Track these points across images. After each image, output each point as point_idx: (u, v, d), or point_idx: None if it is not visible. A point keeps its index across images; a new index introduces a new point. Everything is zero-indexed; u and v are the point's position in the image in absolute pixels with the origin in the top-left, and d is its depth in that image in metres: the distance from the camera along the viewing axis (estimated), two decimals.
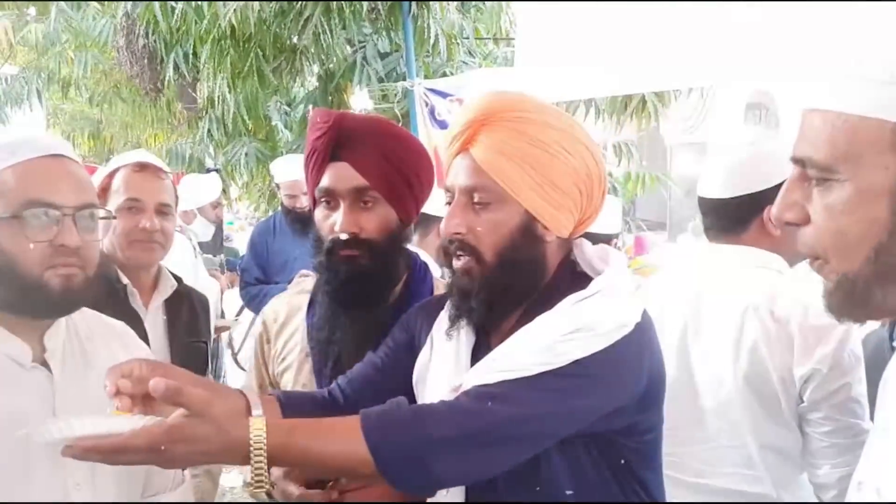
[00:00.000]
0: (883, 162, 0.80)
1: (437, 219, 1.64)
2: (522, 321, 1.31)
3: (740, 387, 1.72)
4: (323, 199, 1.57)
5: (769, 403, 1.71)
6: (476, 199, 1.29)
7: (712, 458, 1.50)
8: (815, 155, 0.84)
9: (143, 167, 2.17)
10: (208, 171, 6.18)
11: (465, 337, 1.40)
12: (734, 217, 1.83)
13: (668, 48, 2.29)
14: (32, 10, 6.51)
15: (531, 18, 2.94)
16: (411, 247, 1.75)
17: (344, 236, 1.53)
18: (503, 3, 5.83)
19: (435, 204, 2.20)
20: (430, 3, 4.63)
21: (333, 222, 1.54)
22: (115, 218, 1.44)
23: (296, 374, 1.66)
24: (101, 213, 1.40)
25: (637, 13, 2.40)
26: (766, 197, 1.73)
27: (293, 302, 1.74)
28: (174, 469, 1.49)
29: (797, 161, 0.87)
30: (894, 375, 0.92)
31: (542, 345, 1.21)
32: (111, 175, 2.18)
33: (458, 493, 1.32)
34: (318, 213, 1.59)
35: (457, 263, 1.33)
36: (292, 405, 1.33)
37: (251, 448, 1.10)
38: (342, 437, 1.16)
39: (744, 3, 2.15)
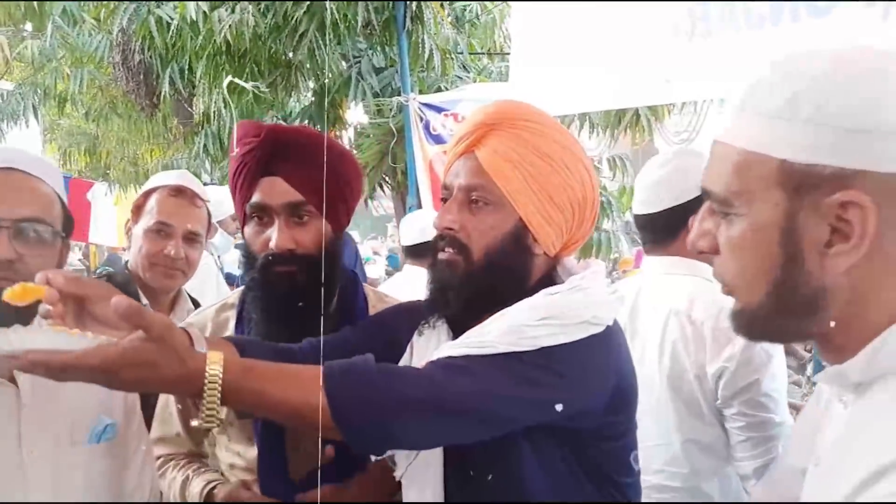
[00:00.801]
0: (772, 198, 0.80)
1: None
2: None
3: (665, 386, 1.87)
4: (255, 215, 1.53)
5: (689, 401, 1.85)
6: (473, 198, 1.32)
7: (644, 458, 1.55)
8: (714, 188, 0.85)
9: (179, 192, 2.16)
10: (204, 185, 6.17)
11: (441, 336, 1.41)
12: (663, 229, 1.99)
13: (661, 61, 2.30)
14: (29, 25, 6.52)
15: (525, 33, 2.95)
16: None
17: (279, 252, 1.48)
18: (497, 18, 5.86)
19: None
20: (425, 18, 4.65)
21: (267, 238, 1.50)
22: (64, 237, 1.42)
23: None
24: (53, 231, 1.37)
25: (630, 23, 2.41)
26: (689, 208, 1.85)
27: (219, 318, 1.69)
28: (123, 392, 1.45)
29: (704, 192, 0.88)
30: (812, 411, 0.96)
31: (511, 326, 1.23)
32: (147, 195, 2.18)
33: (437, 492, 1.33)
34: (249, 230, 1.55)
35: (442, 255, 1.35)
36: (251, 351, 1.29)
37: (206, 381, 1.08)
38: (301, 384, 1.15)
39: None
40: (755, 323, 0.86)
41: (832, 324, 0.81)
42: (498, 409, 1.20)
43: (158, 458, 1.68)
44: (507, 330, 1.23)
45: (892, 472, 0.71)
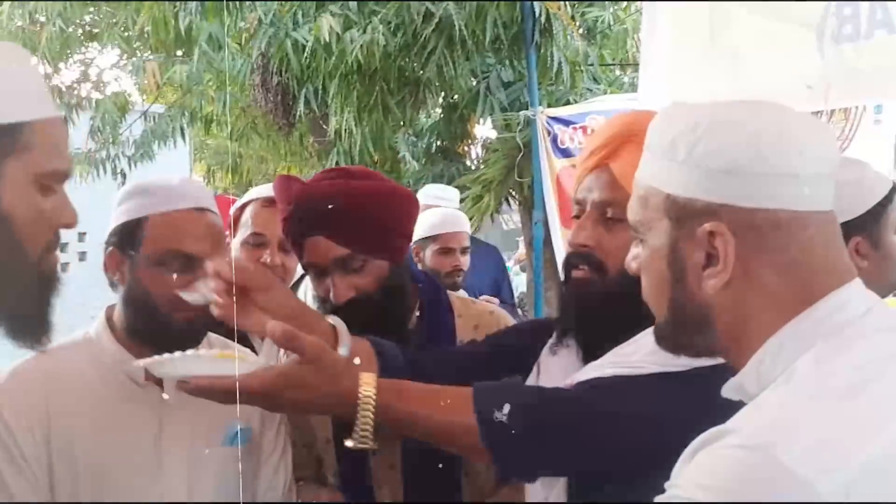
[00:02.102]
0: (662, 226, 0.92)
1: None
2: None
3: None
4: (310, 270, 1.55)
5: None
6: (609, 215, 1.28)
7: None
8: (627, 215, 0.98)
9: (271, 202, 2.21)
10: None
11: (572, 356, 1.37)
12: None
13: (804, 66, 2.13)
14: (179, 51, 6.93)
15: (656, 41, 2.84)
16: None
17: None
18: (630, 28, 5.71)
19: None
20: (554, 31, 4.58)
21: (328, 287, 1.50)
22: None
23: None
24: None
25: (768, 26, 2.26)
26: (853, 226, 1.65)
27: None
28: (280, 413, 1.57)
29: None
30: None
31: None
32: (242, 208, 2.25)
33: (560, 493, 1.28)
34: (311, 279, 1.56)
35: (575, 274, 1.31)
36: (387, 355, 1.33)
37: (359, 403, 1.11)
38: (451, 407, 1.15)
39: None
40: (665, 336, 0.98)
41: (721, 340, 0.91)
42: (651, 431, 1.14)
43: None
44: (655, 349, 1.14)
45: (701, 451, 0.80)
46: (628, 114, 1.38)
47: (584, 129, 4.40)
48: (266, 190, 2.30)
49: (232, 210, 2.33)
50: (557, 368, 1.38)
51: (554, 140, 4.37)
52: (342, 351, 1.24)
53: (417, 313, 1.64)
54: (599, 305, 1.29)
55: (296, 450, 1.70)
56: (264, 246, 2.17)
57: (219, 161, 10.62)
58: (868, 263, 1.72)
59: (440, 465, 1.54)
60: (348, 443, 1.14)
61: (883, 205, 1.74)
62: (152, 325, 1.44)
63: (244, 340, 2.06)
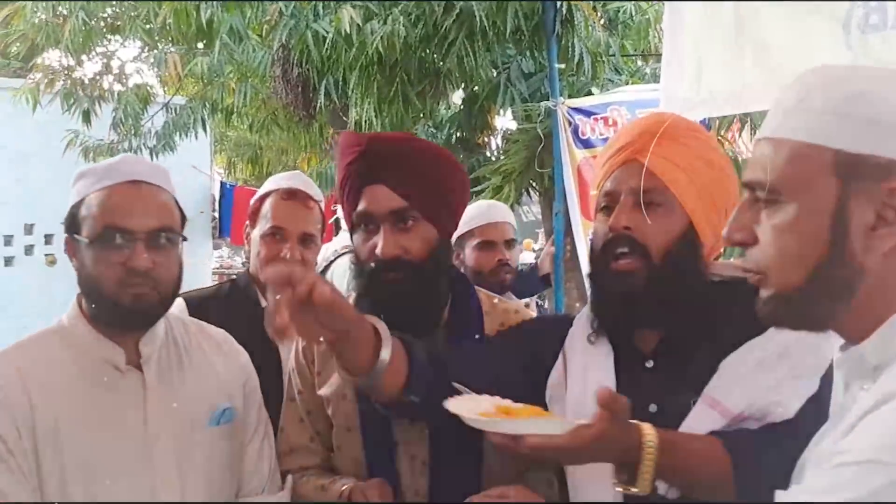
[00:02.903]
0: (824, 184, 0.89)
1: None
2: (674, 336, 1.36)
3: None
4: (361, 224, 1.55)
5: None
6: (647, 200, 1.33)
7: None
8: (763, 178, 0.93)
9: (291, 195, 2.22)
10: None
11: (602, 352, 1.41)
12: None
13: (830, 57, 2.11)
14: (200, 44, 6.95)
15: (678, 32, 2.81)
16: None
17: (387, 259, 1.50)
18: (652, 19, 5.66)
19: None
20: (576, 22, 4.55)
21: (374, 245, 1.51)
22: (185, 239, 1.54)
23: (351, 404, 1.62)
24: (178, 237, 1.50)
25: (793, 16, 2.24)
26: None
27: None
28: (241, 378, 1.62)
29: (748, 185, 0.96)
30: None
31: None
32: (262, 199, 2.25)
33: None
34: (357, 238, 1.57)
35: (619, 264, 1.34)
36: (414, 360, 1.36)
37: (644, 451, 1.18)
38: (709, 459, 1.22)
39: None
40: (788, 307, 0.93)
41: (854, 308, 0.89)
42: None
43: (290, 471, 1.71)
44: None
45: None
46: (655, 114, 1.47)
47: (605, 119, 4.39)
48: (285, 180, 2.30)
49: (252, 201, 2.34)
50: (591, 360, 1.41)
51: (575, 131, 4.36)
52: (384, 354, 1.27)
53: (447, 310, 1.64)
54: (644, 292, 1.33)
55: (304, 438, 1.70)
56: (284, 240, 2.18)
57: (239, 153, 10.67)
58: None
59: (463, 456, 1.56)
60: (618, 487, 1.22)
61: None
62: (104, 306, 1.44)
63: (269, 344, 2.07)
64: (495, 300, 1.75)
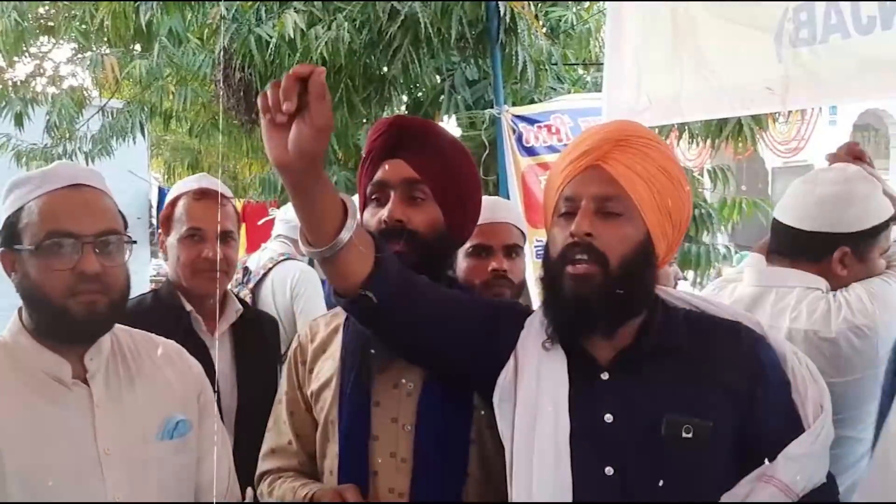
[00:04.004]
0: None
1: None
2: (633, 350, 1.38)
3: None
4: (374, 196, 1.60)
5: None
6: (608, 209, 1.35)
7: None
8: None
9: (203, 194, 2.18)
10: None
11: (557, 361, 1.41)
12: (805, 249, 1.83)
13: (763, 69, 2.19)
14: (138, 46, 6.82)
15: (620, 42, 2.88)
16: None
17: (392, 223, 1.55)
18: (593, 28, 5.77)
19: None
20: (519, 31, 4.61)
21: (381, 215, 1.56)
22: (134, 242, 1.49)
23: (334, 392, 1.62)
24: (124, 238, 1.45)
25: (729, 29, 2.31)
26: (845, 239, 1.73)
27: (332, 322, 1.72)
28: (195, 390, 1.60)
29: None
30: None
31: None
32: (173, 203, 2.20)
33: None
34: (368, 212, 1.61)
35: (575, 269, 1.35)
36: (384, 260, 1.41)
37: None
38: None
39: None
40: None
41: None
42: None
43: (268, 472, 1.70)
44: None
45: None
46: (617, 121, 1.49)
47: (548, 127, 4.45)
48: (193, 182, 2.26)
49: (163, 208, 2.28)
50: (545, 367, 1.41)
51: (519, 138, 4.41)
52: (344, 234, 1.30)
53: None
54: (598, 297, 1.34)
55: (283, 440, 1.69)
56: (204, 240, 2.15)
57: (178, 157, 10.48)
58: (847, 274, 1.80)
59: (445, 456, 1.55)
60: None
61: (879, 229, 1.82)
62: (51, 317, 1.39)
63: (201, 348, 2.03)
64: None
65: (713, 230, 5.29)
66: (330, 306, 3.92)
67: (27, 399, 1.39)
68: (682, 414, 1.32)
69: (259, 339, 2.29)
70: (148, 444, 1.47)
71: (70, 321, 1.38)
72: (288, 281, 3.74)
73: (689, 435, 1.31)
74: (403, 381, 1.58)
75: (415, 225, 1.56)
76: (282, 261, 3.96)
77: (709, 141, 4.79)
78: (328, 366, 1.66)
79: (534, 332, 1.47)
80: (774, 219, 1.95)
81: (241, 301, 2.33)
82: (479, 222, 2.25)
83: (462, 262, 2.15)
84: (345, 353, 1.63)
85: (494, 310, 1.56)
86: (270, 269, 3.82)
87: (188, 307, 2.14)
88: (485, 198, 2.57)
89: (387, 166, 1.60)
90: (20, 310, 1.46)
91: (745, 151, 4.91)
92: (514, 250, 2.15)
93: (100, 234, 1.40)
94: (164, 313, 2.12)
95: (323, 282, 4.97)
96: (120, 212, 1.50)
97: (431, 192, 1.58)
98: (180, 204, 2.19)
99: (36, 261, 1.37)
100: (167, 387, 1.55)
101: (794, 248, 1.89)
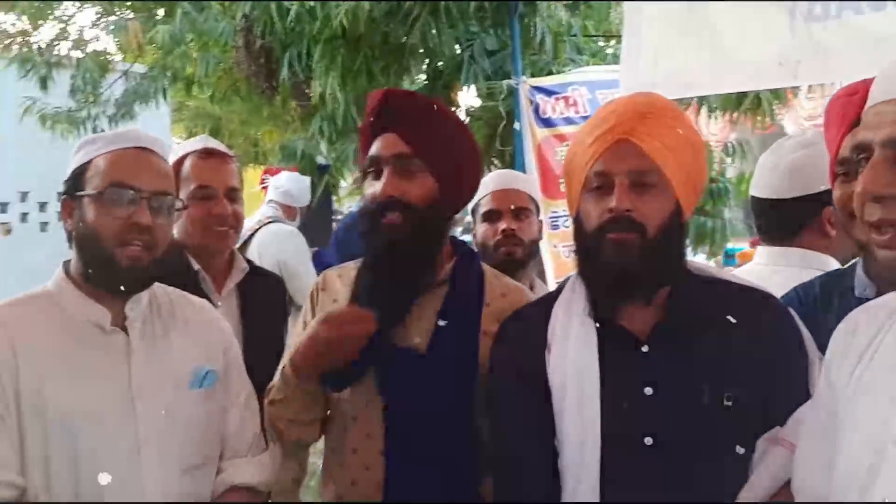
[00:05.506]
0: None
1: None
2: (670, 316, 1.43)
3: None
4: (370, 170, 1.65)
5: None
6: (643, 181, 1.40)
7: None
8: None
9: (209, 153, 2.24)
10: (320, 167, 6.36)
11: (589, 326, 1.46)
12: (791, 218, 1.84)
13: (776, 43, 2.20)
14: (161, 11, 6.85)
15: (637, 14, 2.88)
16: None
17: (386, 197, 1.60)
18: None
19: None
20: (537, 2, 4.60)
21: (375, 191, 1.62)
22: (185, 208, 1.61)
23: None
24: (177, 203, 1.60)
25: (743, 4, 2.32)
26: (825, 197, 1.74)
27: (344, 274, 1.79)
28: (223, 343, 1.70)
29: (887, 143, 1.01)
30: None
31: None
32: (179, 163, 2.25)
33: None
34: (366, 185, 1.67)
35: (615, 235, 1.39)
36: None
37: None
38: None
39: None
40: None
41: None
42: None
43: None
44: None
45: None
46: (641, 94, 1.51)
47: (566, 99, 4.47)
48: (200, 142, 2.31)
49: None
50: (575, 339, 1.45)
51: (536, 110, 4.43)
52: None
53: (449, 278, 1.70)
54: (641, 263, 1.39)
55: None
56: (213, 198, 2.19)
57: (199, 123, 10.53)
58: (836, 234, 1.81)
59: (424, 436, 1.60)
60: None
61: None
62: (100, 262, 1.50)
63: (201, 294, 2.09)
64: (503, 278, 1.80)
65: (730, 205, 5.28)
66: (317, 266, 4.04)
67: (68, 344, 1.50)
68: (722, 383, 1.37)
69: (265, 297, 2.34)
70: (178, 391, 1.58)
71: (116, 269, 1.49)
72: (274, 242, 3.89)
73: (730, 403, 1.36)
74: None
75: (409, 198, 1.61)
76: (268, 223, 4.11)
77: (727, 115, 4.77)
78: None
79: (564, 305, 1.51)
80: (753, 198, 1.96)
81: (247, 260, 2.38)
82: (487, 192, 2.51)
83: (478, 227, 2.50)
84: (352, 304, 1.69)
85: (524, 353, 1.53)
86: (256, 230, 3.94)
87: (196, 266, 2.19)
88: (494, 171, 2.76)
89: (380, 141, 1.65)
90: (65, 263, 1.59)
91: (764, 126, 4.88)
92: (522, 212, 2.46)
93: (155, 192, 1.53)
94: (172, 272, 2.18)
95: (321, 251, 5.08)
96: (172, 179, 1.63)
97: (425, 164, 1.63)
98: (187, 163, 2.23)
99: (95, 207, 1.50)
100: (197, 340, 1.66)
101: (780, 220, 1.89)
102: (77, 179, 1.55)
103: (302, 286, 3.36)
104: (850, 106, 1.48)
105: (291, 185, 4.87)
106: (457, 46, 5.13)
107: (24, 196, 8.96)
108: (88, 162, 1.55)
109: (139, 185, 1.50)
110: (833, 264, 1.84)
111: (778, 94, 4.46)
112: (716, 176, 5.06)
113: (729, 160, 5.51)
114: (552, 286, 4.26)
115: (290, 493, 1.83)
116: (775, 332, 1.42)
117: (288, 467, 1.79)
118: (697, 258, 6.07)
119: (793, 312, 1.46)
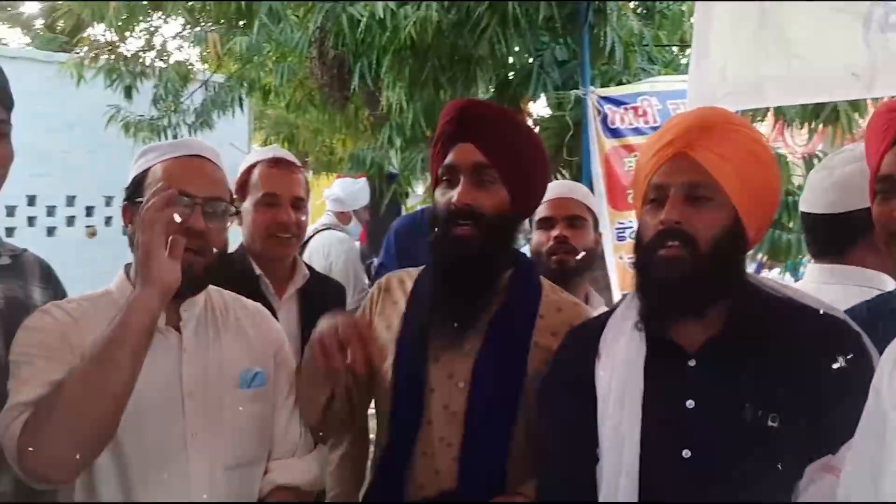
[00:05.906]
0: None
1: None
2: (723, 331, 1.40)
3: None
4: (445, 178, 1.68)
5: None
6: (697, 195, 1.38)
7: None
8: None
9: (277, 162, 2.31)
10: (389, 176, 6.46)
11: (638, 339, 1.44)
12: (843, 234, 1.76)
13: (851, 54, 2.12)
14: (240, 23, 7.05)
15: (708, 23, 2.82)
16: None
17: (460, 206, 1.61)
18: (686, 9, 5.63)
19: None
20: (609, 11, 4.56)
21: (451, 197, 1.63)
22: (238, 213, 1.64)
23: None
24: (231, 208, 1.64)
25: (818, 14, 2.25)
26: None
27: (405, 278, 1.82)
28: (273, 346, 1.74)
29: None
30: None
31: None
32: (249, 170, 2.33)
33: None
34: (438, 192, 1.69)
35: (666, 252, 1.38)
36: None
37: None
38: None
39: None
40: None
41: None
42: None
43: None
44: None
45: None
46: (703, 108, 1.51)
47: (635, 109, 4.41)
48: (268, 151, 2.37)
49: (238, 174, 2.39)
50: (622, 350, 1.45)
51: (604, 120, 4.38)
52: None
53: (505, 288, 1.71)
54: (691, 279, 1.37)
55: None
56: (279, 205, 2.25)
57: (276, 131, 10.78)
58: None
59: (496, 411, 1.62)
60: None
61: None
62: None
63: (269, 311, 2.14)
64: (560, 291, 1.80)
65: None
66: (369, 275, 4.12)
67: None
68: (768, 402, 1.33)
69: (325, 302, 2.37)
70: (227, 390, 1.62)
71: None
72: (323, 249, 4.04)
73: (775, 424, 1.32)
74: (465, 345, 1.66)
75: (482, 208, 1.63)
76: (322, 230, 4.28)
77: (804, 127, 4.63)
78: (395, 319, 1.75)
79: (619, 316, 1.52)
80: (803, 213, 1.89)
81: (308, 267, 2.42)
82: (548, 199, 2.43)
83: (533, 235, 2.47)
84: (410, 309, 1.72)
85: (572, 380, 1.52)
86: (311, 237, 4.08)
87: (258, 271, 2.25)
88: (557, 181, 2.75)
89: (457, 150, 1.67)
90: (126, 265, 1.65)
91: (842, 137, 4.71)
92: (575, 221, 2.41)
93: (210, 198, 1.58)
94: (236, 276, 2.23)
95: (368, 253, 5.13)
96: (229, 189, 1.69)
97: (499, 175, 1.64)
98: (256, 170, 2.30)
99: None
100: (249, 342, 1.70)
101: (830, 236, 1.82)
102: (136, 186, 1.61)
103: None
104: (892, 122, 1.42)
105: (341, 190, 5.00)
106: (527, 56, 5.12)
107: (108, 200, 9.32)
108: (147, 170, 1.61)
109: (193, 192, 1.54)
110: (889, 282, 1.76)
111: (857, 106, 4.29)
112: (793, 189, 4.90)
113: (805, 173, 5.33)
114: (616, 297, 4.19)
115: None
116: (838, 355, 1.35)
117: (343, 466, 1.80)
118: (772, 273, 5.89)
119: (864, 336, 1.39)
